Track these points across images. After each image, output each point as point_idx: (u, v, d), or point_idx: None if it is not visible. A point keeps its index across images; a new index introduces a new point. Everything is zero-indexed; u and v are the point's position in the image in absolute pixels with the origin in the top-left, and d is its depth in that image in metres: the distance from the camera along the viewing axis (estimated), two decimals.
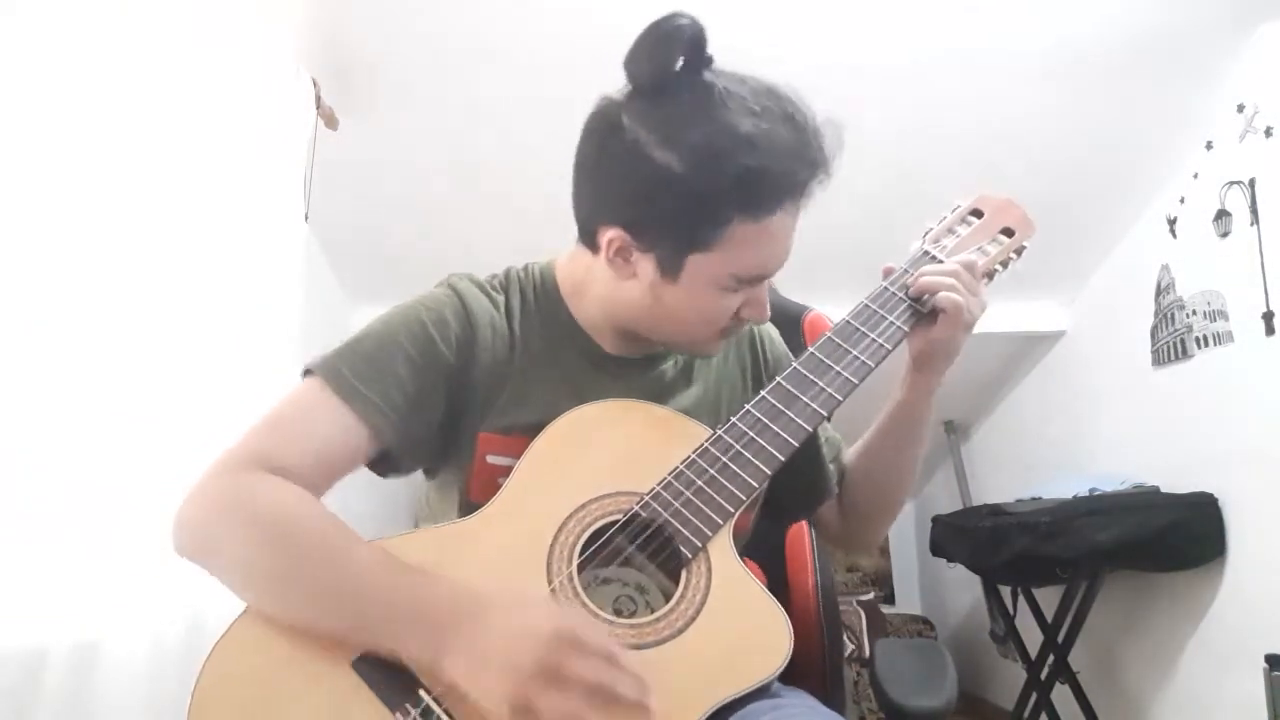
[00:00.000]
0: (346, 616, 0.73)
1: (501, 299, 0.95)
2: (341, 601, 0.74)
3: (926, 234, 1.01)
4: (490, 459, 0.89)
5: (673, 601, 0.78)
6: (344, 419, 0.83)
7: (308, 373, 0.87)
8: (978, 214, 1.03)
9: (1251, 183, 2.10)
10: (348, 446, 0.84)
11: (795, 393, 0.88)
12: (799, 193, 0.83)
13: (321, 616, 0.74)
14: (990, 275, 0.98)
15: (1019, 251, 1.01)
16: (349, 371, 0.85)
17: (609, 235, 0.85)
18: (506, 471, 0.86)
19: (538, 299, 0.96)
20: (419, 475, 0.99)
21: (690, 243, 0.83)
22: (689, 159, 0.79)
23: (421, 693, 0.71)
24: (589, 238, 0.90)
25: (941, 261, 0.96)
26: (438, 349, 0.88)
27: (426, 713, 0.70)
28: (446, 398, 0.89)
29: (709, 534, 0.80)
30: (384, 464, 0.89)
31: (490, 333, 0.91)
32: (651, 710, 0.67)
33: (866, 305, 0.94)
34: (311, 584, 0.75)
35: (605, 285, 0.91)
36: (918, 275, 0.93)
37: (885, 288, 0.95)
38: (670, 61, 0.81)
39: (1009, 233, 1.01)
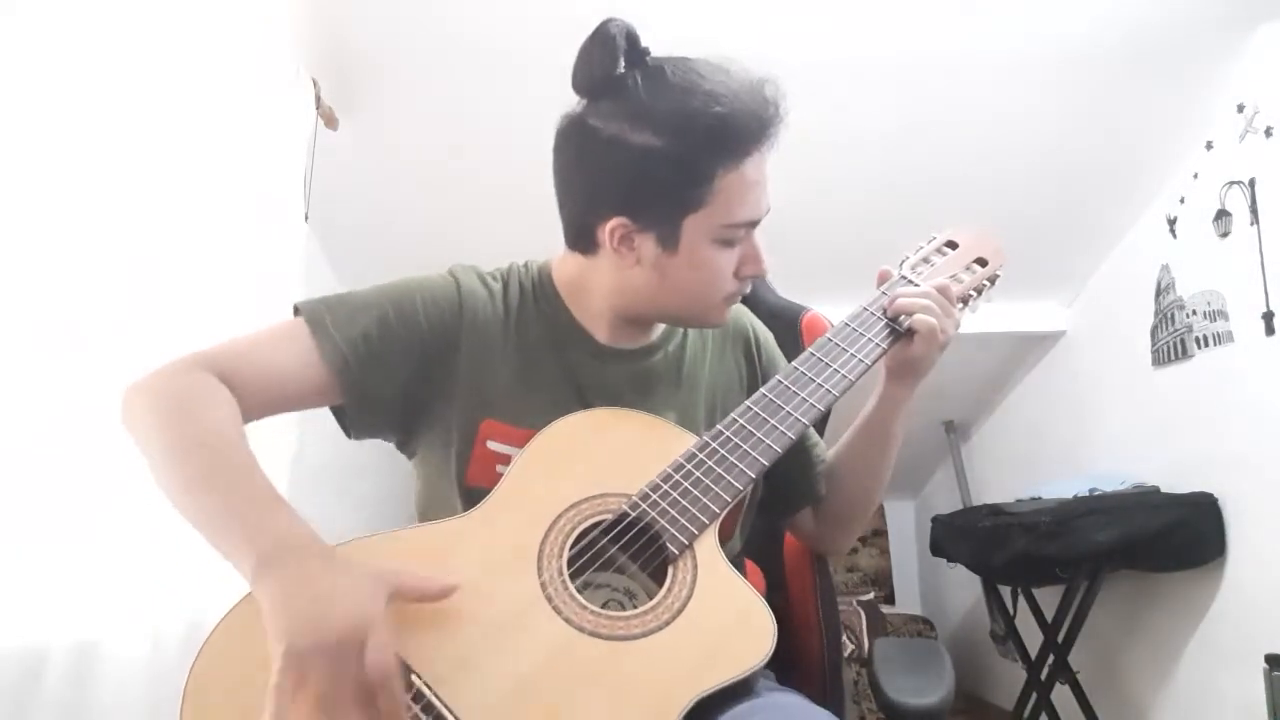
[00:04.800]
0: (200, 511, 0.77)
1: (499, 288, 0.99)
2: (200, 495, 0.77)
3: (904, 261, 1.06)
4: (490, 444, 0.92)
5: (659, 596, 0.80)
6: (305, 351, 0.89)
7: (296, 311, 0.93)
8: (952, 245, 1.08)
9: (1251, 183, 2.10)
10: (301, 378, 0.89)
11: (779, 403, 0.92)
12: (766, 133, 0.88)
13: (185, 505, 0.78)
14: (965, 302, 1.04)
15: (992, 280, 1.06)
16: (326, 312, 0.91)
17: (610, 226, 0.90)
18: (506, 459, 0.90)
19: (535, 293, 1.00)
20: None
21: (683, 207, 0.88)
22: (665, 130, 0.86)
23: (414, 678, 0.72)
24: (585, 239, 0.94)
25: (917, 284, 1.01)
26: (417, 321, 0.93)
27: (418, 697, 0.71)
28: (414, 370, 0.92)
29: (695, 532, 0.83)
30: (343, 417, 0.93)
31: (482, 318, 0.95)
32: None
33: (847, 324, 0.99)
34: (187, 475, 0.78)
35: (608, 278, 0.95)
36: (894, 296, 0.98)
37: (865, 308, 1.00)
38: (615, 61, 0.88)
39: (982, 262, 1.07)
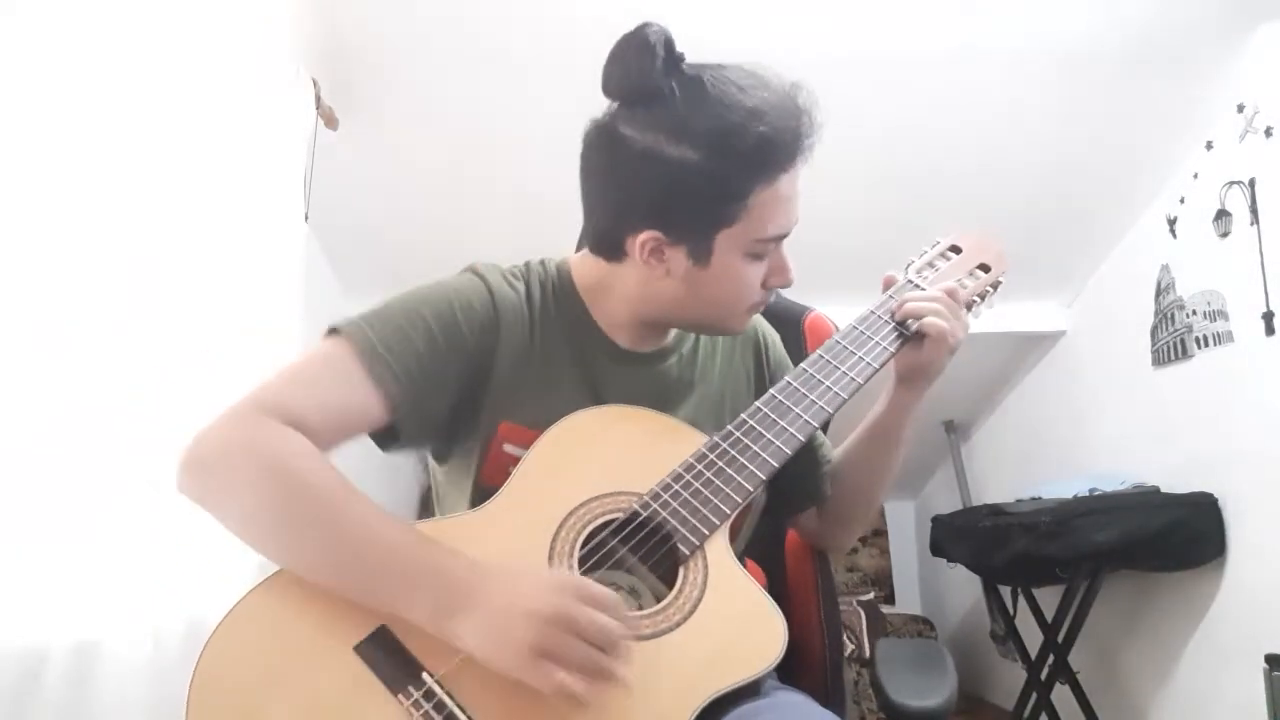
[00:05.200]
0: (354, 572, 0.75)
1: (523, 288, 0.97)
2: (351, 558, 0.75)
3: (908, 266, 1.06)
4: (507, 448, 0.91)
5: (670, 597, 0.80)
6: (360, 380, 0.85)
7: (333, 331, 0.88)
8: (956, 250, 1.08)
9: (1251, 183, 2.10)
10: (360, 407, 0.86)
11: (789, 404, 0.92)
12: (801, 148, 0.88)
13: (328, 570, 0.76)
14: (969, 307, 1.04)
15: (995, 285, 1.07)
16: (373, 335, 0.87)
17: (641, 239, 0.89)
18: (518, 462, 0.89)
19: (555, 294, 0.99)
20: (419, 463, 1.00)
21: (717, 222, 0.87)
22: (703, 145, 0.84)
23: (424, 675, 0.72)
24: (613, 248, 0.93)
25: (924, 289, 1.01)
26: (460, 331, 0.90)
27: (429, 695, 0.71)
28: (462, 381, 0.91)
29: (706, 533, 0.83)
30: (388, 437, 0.90)
31: (513, 321, 0.94)
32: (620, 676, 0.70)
33: (855, 326, 0.99)
34: (322, 538, 0.76)
35: (633, 287, 0.94)
36: (903, 300, 0.98)
37: (872, 311, 1.00)
38: (653, 68, 0.85)
39: (985, 268, 1.07)
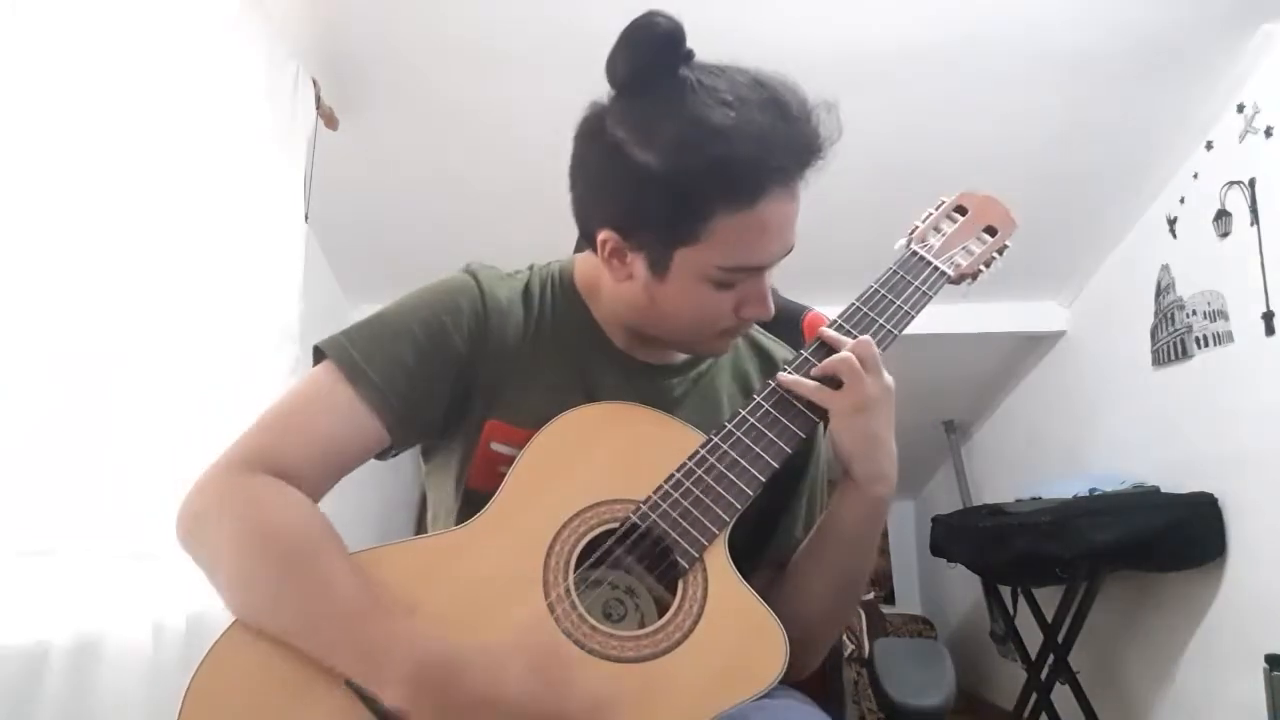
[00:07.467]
0: (315, 639, 0.72)
1: (520, 286, 0.95)
2: (312, 624, 0.73)
3: (912, 233, 1.01)
4: (494, 446, 0.89)
5: (670, 613, 0.78)
6: (350, 405, 0.84)
7: (319, 353, 0.87)
8: (961, 211, 1.03)
9: (1251, 183, 2.10)
10: (355, 435, 0.84)
11: (789, 399, 0.87)
12: (783, 179, 0.80)
13: (289, 632, 0.73)
14: (975, 276, 0.99)
15: (1001, 250, 1.01)
16: (357, 353, 0.85)
17: (602, 237, 0.86)
18: (508, 460, 0.86)
19: (554, 294, 0.97)
20: (417, 472, 1.00)
21: (675, 239, 0.82)
22: (663, 156, 0.79)
23: None
24: (589, 240, 0.91)
25: (929, 262, 0.97)
26: (448, 335, 0.88)
27: None
28: (454, 384, 0.89)
29: (705, 544, 0.80)
30: (385, 449, 0.89)
31: (504, 319, 0.92)
32: None
33: (856, 304, 0.93)
34: (282, 597, 0.74)
35: (609, 286, 0.92)
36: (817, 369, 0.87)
37: (873, 287, 0.95)
38: (644, 60, 0.81)
39: (992, 231, 1.02)
